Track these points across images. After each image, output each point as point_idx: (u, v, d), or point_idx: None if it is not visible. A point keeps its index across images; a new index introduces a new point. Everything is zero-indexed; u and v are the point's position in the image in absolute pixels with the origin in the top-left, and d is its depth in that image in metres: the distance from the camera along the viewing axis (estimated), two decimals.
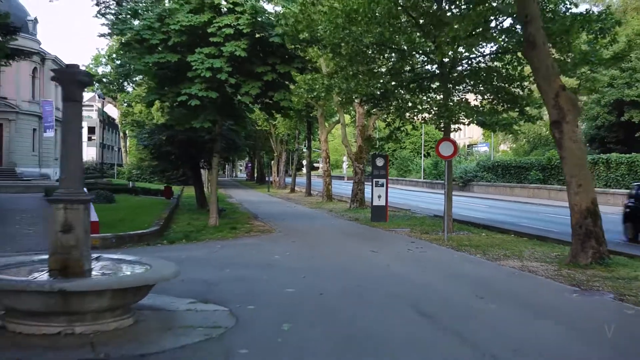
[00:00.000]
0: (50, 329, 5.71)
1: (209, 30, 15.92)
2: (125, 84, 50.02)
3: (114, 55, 39.92)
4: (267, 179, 58.14)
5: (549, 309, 7.17)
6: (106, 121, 73.28)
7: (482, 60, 16.85)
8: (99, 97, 48.30)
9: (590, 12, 14.20)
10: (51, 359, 5.06)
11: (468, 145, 73.07)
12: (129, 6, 18.37)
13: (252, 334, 5.92)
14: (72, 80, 6.18)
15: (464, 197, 34.80)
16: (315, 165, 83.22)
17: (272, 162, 58.57)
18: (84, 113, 57.45)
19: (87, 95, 71.44)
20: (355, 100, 19.25)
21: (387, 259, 11.30)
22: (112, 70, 53.03)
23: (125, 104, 66.09)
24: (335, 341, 5.71)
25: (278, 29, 15.55)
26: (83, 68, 6.78)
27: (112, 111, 78.21)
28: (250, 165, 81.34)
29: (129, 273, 6.66)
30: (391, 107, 17.10)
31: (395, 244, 13.85)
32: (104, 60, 62.99)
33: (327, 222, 20.00)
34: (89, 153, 66.86)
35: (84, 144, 61.33)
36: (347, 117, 32.17)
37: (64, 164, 6.38)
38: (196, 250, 12.36)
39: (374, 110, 18.81)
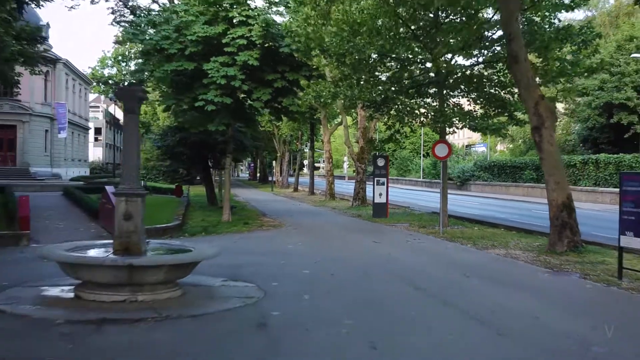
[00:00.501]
0: (117, 297, 7.15)
1: (224, 41, 17.29)
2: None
3: (131, 61, 41.28)
4: (270, 178, 59.51)
5: (522, 284, 8.61)
6: (111, 122, 74.68)
7: (476, 68, 18.26)
8: (111, 100, 49.61)
9: (571, 26, 15.61)
10: (127, 318, 6.48)
11: (467, 146, 74.48)
12: (146, 18, 19.73)
13: (279, 301, 7.35)
14: (132, 96, 7.62)
15: (461, 195, 36.23)
16: (316, 165, 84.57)
17: (275, 162, 59.98)
18: (90, 114, 58.44)
19: (92, 96, 72.89)
20: (358, 105, 20.65)
21: (387, 248, 12.73)
22: (117, 72, 54.51)
23: None
24: (345, 305, 7.15)
25: (288, 40, 16.95)
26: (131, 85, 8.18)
27: (117, 112, 79.60)
28: (252, 165, 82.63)
29: (178, 254, 8.09)
30: (391, 112, 18.55)
31: (395, 236, 15.28)
32: (109, 62, 64.45)
33: (332, 218, 21.43)
34: (96, 153, 68.30)
35: (91, 145, 62.66)
36: (349, 119, 33.56)
37: (125, 165, 7.82)
38: (216, 241, 13.77)
39: (376, 114, 20.23)
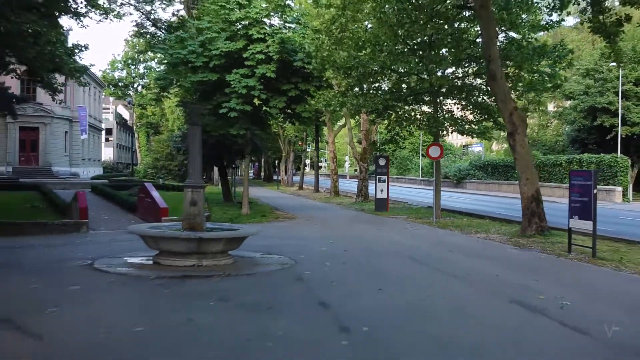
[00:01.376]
0: (188, 262, 9.65)
1: (244, 55, 19.77)
2: (139, 87, 54.27)
3: (140, 64, 43.72)
4: (275, 177, 61.92)
5: (492, 257, 11.13)
6: (121, 123, 77.24)
7: (466, 79, 20.76)
8: (129, 104, 52.04)
9: (546, 45, 18.10)
10: (200, 275, 8.96)
11: (464, 146, 76.95)
12: (174, 36, 22.16)
13: (308, 266, 9.85)
14: (198, 113, 10.14)
15: (457, 193, 38.74)
16: (319, 164, 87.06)
17: (279, 161, 62.45)
18: (103, 116, 60.90)
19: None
20: (362, 111, 23.17)
21: (389, 233, 15.25)
22: (127, 75, 57.00)
23: (140, 107, 69.97)
24: (357, 269, 9.66)
25: (300, 55, 19.43)
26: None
27: (125, 114, 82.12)
28: (257, 164, 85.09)
29: (231, 231, 10.62)
30: (392, 117, 21.06)
31: (394, 225, 17.79)
32: (119, 65, 66.96)
33: (339, 212, 23.93)
34: (107, 153, 70.74)
35: (102, 145, 65.12)
36: (352, 121, 36.03)
37: (190, 164, 10.33)
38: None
39: (378, 119, 22.75)
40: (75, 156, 46.46)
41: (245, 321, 6.19)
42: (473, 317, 6.49)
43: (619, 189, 29.48)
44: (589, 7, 13.42)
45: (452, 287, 8.35)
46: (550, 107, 47.70)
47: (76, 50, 20.02)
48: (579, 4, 14.37)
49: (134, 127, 72.28)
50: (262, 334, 5.63)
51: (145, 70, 47.67)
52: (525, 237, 13.70)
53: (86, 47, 20.45)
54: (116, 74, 66.34)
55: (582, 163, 32.46)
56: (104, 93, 66.07)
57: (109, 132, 73.21)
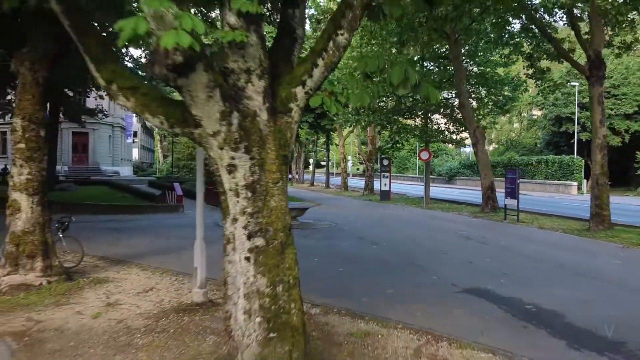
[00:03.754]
0: None
1: None
2: None
3: None
4: (289, 175, 68.62)
5: (457, 221, 18.03)
6: (144, 125, 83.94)
7: (448, 100, 27.65)
8: None
9: (507, 76, 24.99)
10: None
11: (456, 146, 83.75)
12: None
13: (345, 225, 16.74)
14: None
15: (448, 188, 45.60)
16: (322, 163, 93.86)
17: (292, 161, 69.30)
18: (129, 120, 67.43)
19: None
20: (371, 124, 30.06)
21: (391, 212, 22.12)
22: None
23: None
24: (373, 227, 16.57)
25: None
26: None
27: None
28: None
29: (299, 203, 17.52)
30: (393, 129, 27.94)
31: (395, 208, 24.66)
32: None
33: (352, 201, 30.81)
34: (133, 154, 77.48)
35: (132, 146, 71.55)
36: (359, 129, 42.85)
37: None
38: None
39: (382, 130, 29.60)
40: (116, 157, 53.31)
41: (322, 243, 13.06)
42: (438, 240, 13.40)
43: (575, 183, 36.38)
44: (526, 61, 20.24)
45: (428, 232, 15.25)
46: (533, 112, 54.61)
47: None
48: (522, 58, 21.12)
49: (154, 130, 79.00)
50: (333, 246, 12.50)
51: None
52: (483, 213, 20.57)
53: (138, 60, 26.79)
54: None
55: (547, 162, 39.38)
56: None
57: (134, 134, 79.87)
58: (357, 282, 8.79)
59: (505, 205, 18.52)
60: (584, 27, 18.11)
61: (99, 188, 33.01)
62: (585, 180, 37.90)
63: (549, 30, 17.32)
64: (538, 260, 10.95)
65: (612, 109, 38.70)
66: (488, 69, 25.11)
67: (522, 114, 51.91)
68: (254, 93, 4.34)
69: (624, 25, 16.20)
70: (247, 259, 4.37)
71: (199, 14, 10.84)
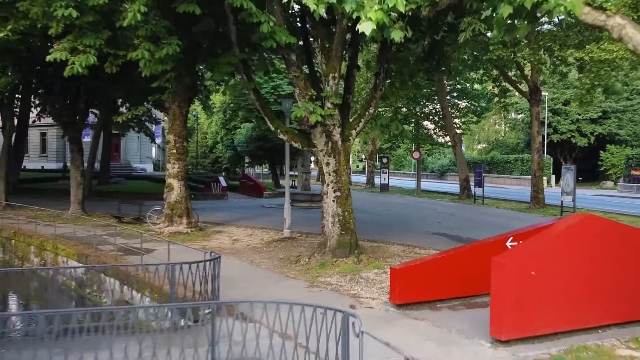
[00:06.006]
0: (305, 205, 22.84)
1: None
2: None
3: None
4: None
5: (439, 204, 24.38)
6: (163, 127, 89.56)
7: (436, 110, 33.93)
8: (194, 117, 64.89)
9: (484, 91, 31.31)
10: (311, 207, 22.09)
11: (449, 146, 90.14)
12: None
13: (355, 206, 23.06)
14: None
15: (439, 182, 51.94)
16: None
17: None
18: (157, 130, 73.03)
19: None
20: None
21: (390, 200, 28.44)
22: None
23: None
24: (378, 207, 22.91)
25: None
26: None
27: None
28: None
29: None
30: (391, 133, 34.19)
31: (393, 197, 30.97)
32: None
33: (356, 193, 36.99)
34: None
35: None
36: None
37: (306, 165, 23.51)
38: None
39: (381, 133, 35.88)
40: (142, 155, 59.49)
41: None
42: (421, 214, 19.73)
43: (545, 178, 42.74)
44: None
45: (416, 210, 21.55)
46: (514, 116, 60.99)
47: None
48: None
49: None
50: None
51: None
52: (460, 199, 26.87)
53: None
54: None
55: (523, 160, 45.69)
56: None
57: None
58: (371, 231, 15.08)
59: (474, 192, 24.85)
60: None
61: (142, 182, 39.13)
62: (553, 175, 44.34)
63: (504, 68, 23.47)
64: (482, 223, 17.26)
65: (579, 114, 45.02)
66: (467, 84, 31.38)
67: (506, 117, 58.22)
68: (336, 133, 10.63)
69: (557, 63, 22.43)
70: (333, 200, 10.67)
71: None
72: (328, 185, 10.70)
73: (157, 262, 8.11)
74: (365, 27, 5.09)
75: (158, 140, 56.36)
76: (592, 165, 46.55)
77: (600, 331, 6.34)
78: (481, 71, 27.74)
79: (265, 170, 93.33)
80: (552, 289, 6.09)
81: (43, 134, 56.55)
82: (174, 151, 15.15)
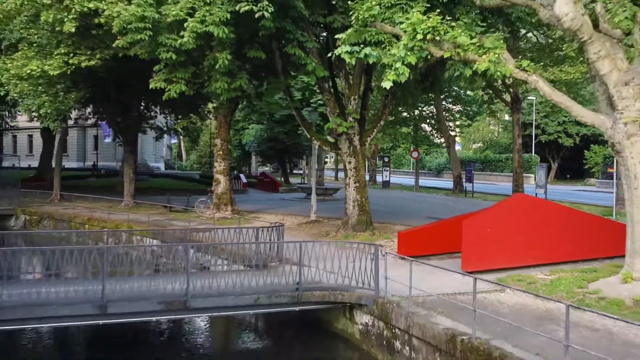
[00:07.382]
0: (321, 198, 26.61)
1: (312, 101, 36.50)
2: None
3: None
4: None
5: (434, 197, 28.12)
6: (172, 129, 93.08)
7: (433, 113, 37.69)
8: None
9: (476, 96, 35.05)
10: (324, 199, 25.80)
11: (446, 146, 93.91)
12: None
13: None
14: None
15: (436, 180, 55.74)
16: (325, 160, 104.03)
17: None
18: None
19: None
20: None
21: (391, 194, 32.19)
22: None
23: None
24: (383, 200, 26.66)
25: None
26: None
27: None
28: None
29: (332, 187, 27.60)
30: (392, 136, 37.93)
31: (394, 192, 34.69)
32: None
33: None
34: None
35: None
36: None
37: (317, 162, 27.25)
38: None
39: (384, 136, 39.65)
40: (157, 155, 63.18)
41: None
42: (418, 205, 23.48)
43: (532, 175, 46.49)
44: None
45: (414, 202, 25.29)
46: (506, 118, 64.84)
47: None
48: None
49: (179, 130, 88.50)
50: None
51: None
52: (453, 193, 30.61)
53: None
54: None
55: (508, 160, 49.47)
56: None
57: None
58: (379, 216, 18.75)
59: (465, 188, 28.59)
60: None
61: (164, 180, 42.81)
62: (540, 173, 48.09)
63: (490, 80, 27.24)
64: (469, 211, 20.98)
65: (566, 117, 48.80)
66: (460, 91, 35.09)
67: (499, 119, 62.11)
68: (356, 139, 14.36)
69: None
70: (354, 189, 14.43)
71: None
72: (350, 178, 14.42)
73: (232, 232, 11.86)
74: (386, 84, 8.74)
75: (174, 141, 60.03)
76: (578, 164, 50.43)
77: (531, 268, 10.08)
78: None
79: (268, 169, 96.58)
80: (500, 240, 9.82)
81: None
82: (220, 152, 18.86)
